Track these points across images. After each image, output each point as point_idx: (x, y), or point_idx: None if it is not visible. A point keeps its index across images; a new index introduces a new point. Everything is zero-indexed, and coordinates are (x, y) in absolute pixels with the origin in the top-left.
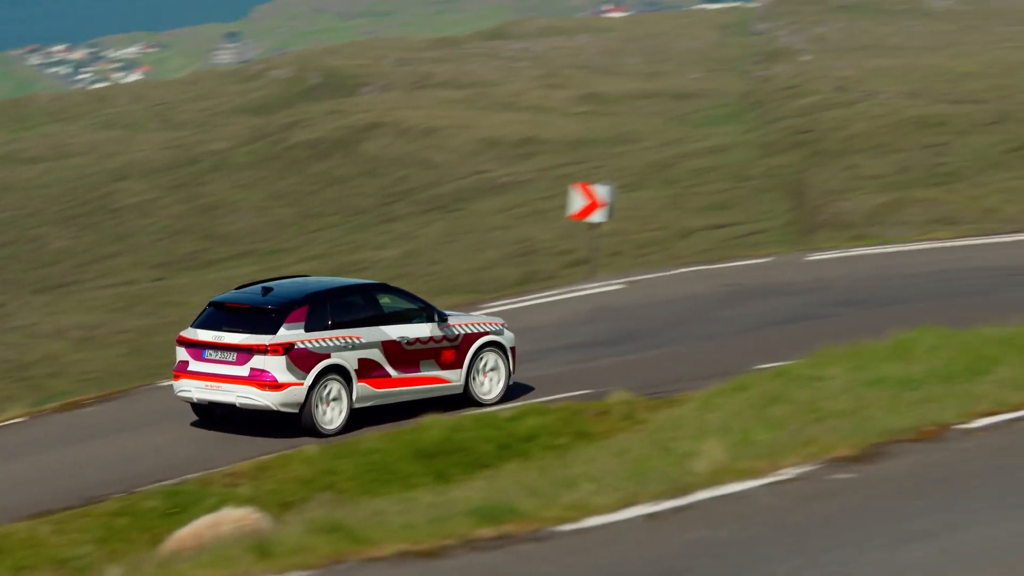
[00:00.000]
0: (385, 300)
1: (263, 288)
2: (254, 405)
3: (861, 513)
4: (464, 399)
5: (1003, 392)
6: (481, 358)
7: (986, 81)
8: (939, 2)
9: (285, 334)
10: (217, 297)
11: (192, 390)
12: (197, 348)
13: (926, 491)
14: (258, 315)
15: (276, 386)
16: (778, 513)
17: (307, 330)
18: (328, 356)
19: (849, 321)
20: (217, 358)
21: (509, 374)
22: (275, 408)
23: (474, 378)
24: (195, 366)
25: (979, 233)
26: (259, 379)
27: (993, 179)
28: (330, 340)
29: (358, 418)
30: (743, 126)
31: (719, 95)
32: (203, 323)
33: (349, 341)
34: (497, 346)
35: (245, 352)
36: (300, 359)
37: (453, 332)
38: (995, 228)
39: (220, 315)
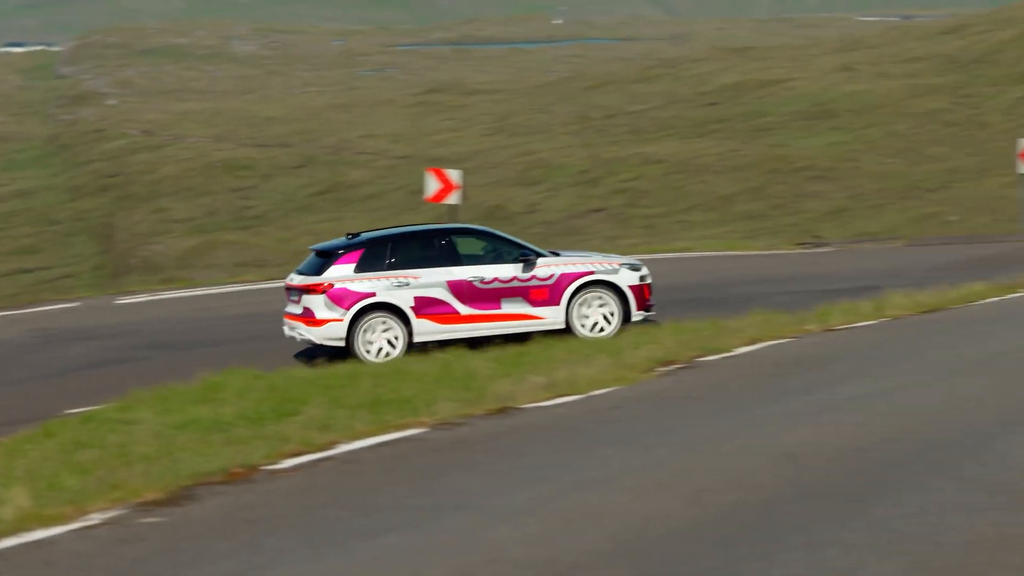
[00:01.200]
0: (468, 243)
1: (350, 235)
2: (308, 340)
3: (169, 555)
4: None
5: (309, 432)
6: (582, 296)
7: (291, 125)
8: (243, 47)
9: (329, 275)
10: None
11: (286, 329)
12: (287, 291)
13: (234, 532)
14: (319, 259)
15: (316, 322)
16: (84, 559)
17: (357, 271)
18: (373, 295)
19: (160, 364)
20: (292, 299)
21: (623, 311)
22: (319, 342)
23: (578, 315)
24: (287, 307)
25: (286, 276)
26: (306, 316)
27: (299, 221)
28: (379, 280)
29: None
30: (50, 170)
31: (24, 139)
32: (295, 269)
33: (403, 281)
34: (607, 285)
35: (301, 292)
36: (339, 298)
37: (546, 272)
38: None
39: (304, 261)
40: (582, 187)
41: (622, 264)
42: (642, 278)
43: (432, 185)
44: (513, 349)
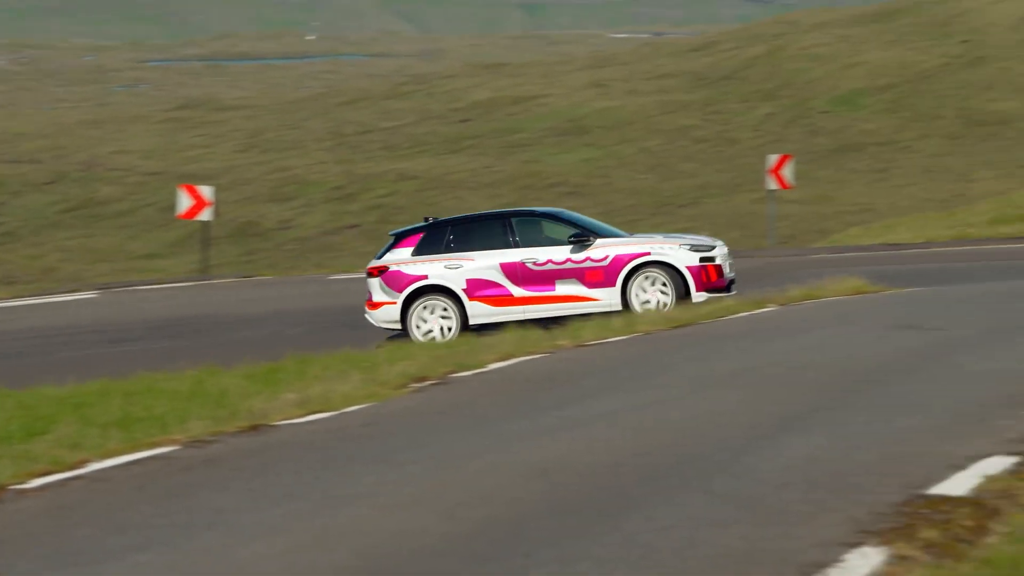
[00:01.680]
0: (531, 226)
1: (427, 219)
2: (370, 322)
3: None
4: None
5: (59, 451)
6: (638, 277)
7: (41, 142)
8: None
9: (387, 258)
10: None
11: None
12: None
13: None
14: (386, 243)
15: (374, 305)
16: None
17: (415, 254)
18: (425, 277)
19: None
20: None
21: (682, 291)
22: (376, 325)
23: (636, 296)
24: None
25: (36, 292)
26: (367, 300)
27: (50, 238)
28: (433, 263)
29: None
30: None
31: None
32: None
33: (456, 263)
34: (662, 265)
35: (368, 276)
36: (393, 280)
37: (600, 253)
38: (52, 287)
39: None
40: (336, 203)
41: (683, 244)
42: (704, 259)
43: (184, 201)
44: (267, 366)
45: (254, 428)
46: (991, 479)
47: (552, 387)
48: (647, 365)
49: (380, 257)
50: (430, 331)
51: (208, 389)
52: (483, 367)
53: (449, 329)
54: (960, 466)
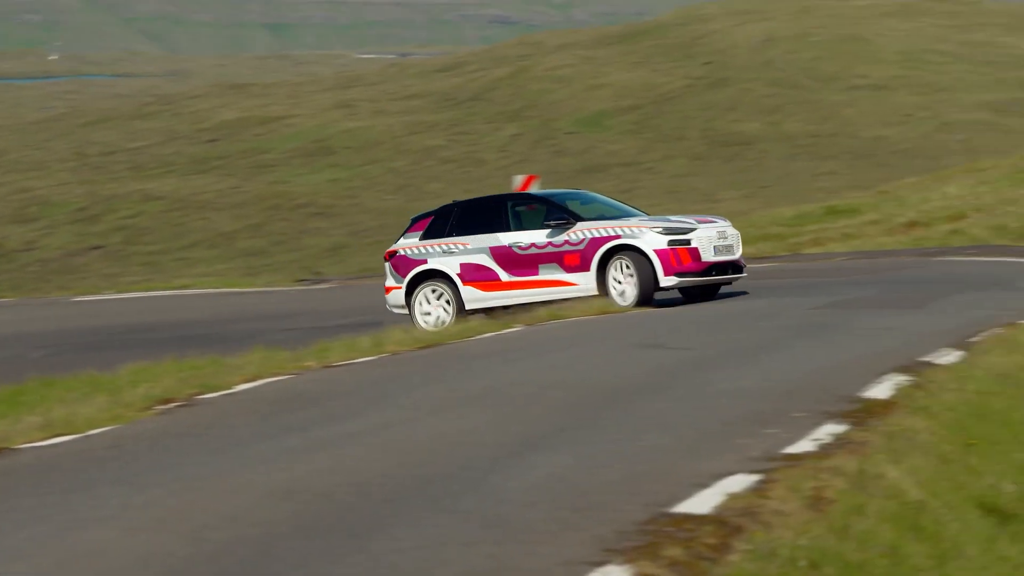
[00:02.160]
0: (528, 208)
1: (456, 200)
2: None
3: None
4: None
5: None
6: (613, 262)
7: None
8: None
9: (399, 243)
10: None
11: None
12: None
13: None
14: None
15: (387, 290)
16: None
17: (423, 239)
18: (424, 262)
19: None
20: None
21: (648, 277)
22: (388, 309)
23: (612, 281)
24: None
25: None
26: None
27: None
28: (433, 247)
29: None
30: None
31: None
32: None
33: (452, 247)
34: (632, 249)
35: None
36: (399, 265)
37: (578, 236)
38: None
39: None
40: (80, 224)
41: (655, 227)
42: (675, 242)
43: None
44: (9, 389)
45: None
46: (734, 497)
47: (298, 408)
48: (393, 386)
49: (396, 242)
50: (438, 317)
51: None
52: (229, 388)
53: (444, 315)
54: (704, 484)
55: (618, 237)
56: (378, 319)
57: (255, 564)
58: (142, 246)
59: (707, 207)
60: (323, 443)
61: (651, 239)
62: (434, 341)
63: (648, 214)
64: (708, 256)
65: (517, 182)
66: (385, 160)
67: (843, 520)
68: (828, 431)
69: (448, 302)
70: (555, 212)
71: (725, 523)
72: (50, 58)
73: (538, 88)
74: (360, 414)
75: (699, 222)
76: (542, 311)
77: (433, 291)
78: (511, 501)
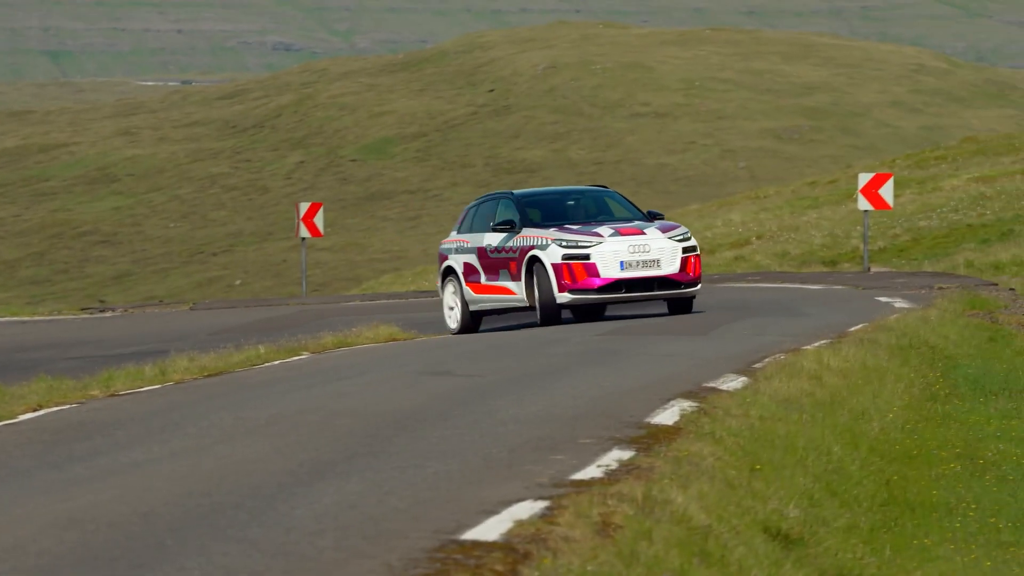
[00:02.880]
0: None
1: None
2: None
3: None
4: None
5: None
6: (533, 272)
7: None
8: None
9: (449, 236)
10: None
11: None
12: None
13: None
14: None
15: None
16: None
17: (457, 233)
18: (447, 258)
19: None
20: None
21: (545, 293)
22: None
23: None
24: None
25: None
26: None
27: None
28: (453, 243)
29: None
30: None
31: None
32: None
33: (460, 245)
34: (538, 262)
35: None
36: (439, 259)
37: (517, 243)
38: None
39: None
40: None
41: (560, 239)
42: (570, 256)
43: None
44: None
45: None
46: (521, 523)
47: (83, 437)
48: (179, 414)
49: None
50: (453, 317)
51: None
52: (12, 418)
53: (459, 315)
54: (491, 511)
55: (534, 248)
56: (164, 348)
57: None
58: None
59: None
60: (108, 472)
61: (552, 252)
62: (220, 369)
63: (663, 219)
64: (610, 272)
65: (302, 210)
66: (169, 188)
67: (631, 545)
68: (615, 457)
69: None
70: (506, 215)
71: (513, 550)
72: None
73: (322, 116)
74: (146, 443)
75: (624, 233)
76: (329, 338)
77: (453, 289)
78: (299, 529)
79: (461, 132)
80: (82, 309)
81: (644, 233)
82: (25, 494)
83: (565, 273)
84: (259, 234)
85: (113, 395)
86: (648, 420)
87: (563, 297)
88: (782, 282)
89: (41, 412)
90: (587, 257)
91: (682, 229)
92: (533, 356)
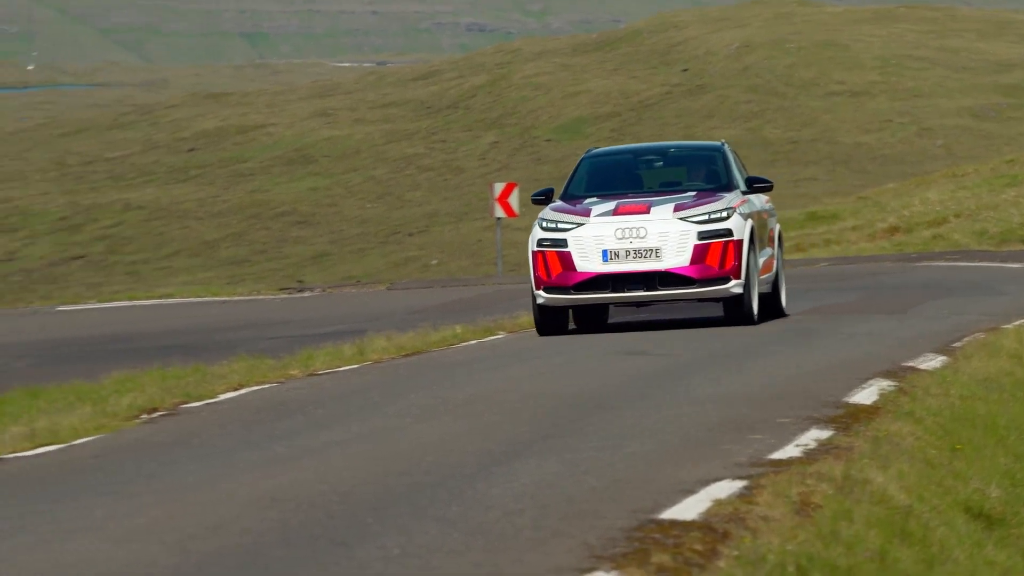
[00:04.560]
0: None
1: None
2: None
3: None
4: None
5: None
6: None
7: None
8: None
9: None
10: None
11: None
12: None
13: None
14: None
15: None
16: None
17: None
18: None
19: None
20: None
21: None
22: None
23: None
24: None
25: None
26: None
27: None
28: None
29: None
30: None
31: None
32: None
33: None
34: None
35: None
36: None
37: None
38: None
39: None
40: (61, 234)
41: (543, 221)
42: (546, 241)
43: None
44: None
45: None
46: (720, 503)
47: (283, 417)
48: (378, 394)
49: None
50: None
51: None
52: (214, 397)
53: None
54: (690, 490)
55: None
56: (361, 327)
57: (241, 573)
58: (124, 255)
59: None
60: (308, 451)
61: (534, 235)
62: (418, 349)
63: (740, 188)
64: (589, 264)
65: (497, 190)
66: (365, 168)
67: (830, 525)
68: (813, 436)
69: None
70: (569, 181)
71: (712, 529)
72: (27, 68)
73: (516, 96)
74: (345, 422)
75: (621, 212)
76: (525, 318)
77: None
78: (498, 508)
79: (655, 112)
80: (281, 289)
81: (646, 211)
82: (227, 473)
83: (540, 264)
84: (454, 214)
85: (312, 374)
86: (846, 399)
87: (540, 296)
88: (981, 261)
89: (242, 391)
90: (563, 244)
91: (718, 205)
92: (728, 336)
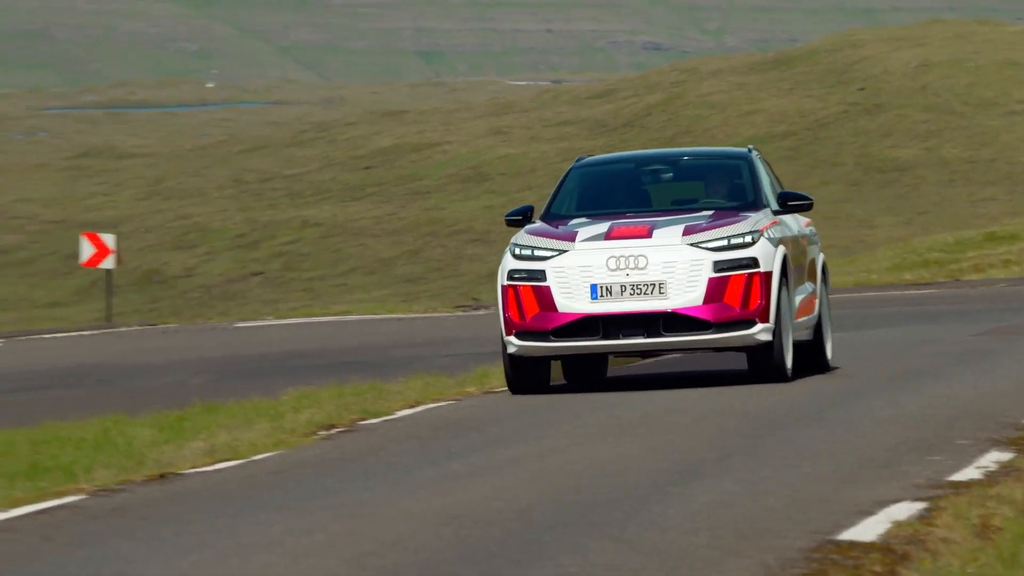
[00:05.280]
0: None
1: None
2: None
3: None
4: None
5: None
6: None
7: None
8: None
9: None
10: None
11: None
12: None
13: None
14: None
15: None
16: None
17: None
18: None
19: None
20: None
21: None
22: None
23: None
24: None
25: None
26: None
27: None
28: None
29: None
30: None
31: None
32: None
33: None
34: None
35: None
36: None
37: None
38: None
39: None
40: (240, 251)
41: (518, 247)
42: (518, 273)
43: (86, 249)
44: (173, 414)
45: (162, 477)
46: (899, 524)
47: (460, 433)
48: (553, 412)
49: None
50: None
51: (114, 438)
52: (391, 414)
53: None
54: (869, 511)
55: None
56: None
57: None
58: (301, 272)
59: (864, 233)
60: (484, 469)
61: (505, 264)
62: None
63: (771, 207)
64: (574, 302)
65: None
66: (540, 187)
67: (1011, 548)
68: (993, 458)
69: None
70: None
71: (892, 551)
72: (207, 86)
73: (692, 114)
74: (520, 440)
75: (615, 236)
76: None
77: None
78: (674, 528)
79: (831, 131)
80: (456, 307)
81: (648, 234)
82: (404, 490)
83: (512, 303)
84: None
85: (488, 392)
86: None
87: (511, 344)
88: None
89: (418, 408)
90: (541, 276)
91: (740, 228)
92: (905, 356)
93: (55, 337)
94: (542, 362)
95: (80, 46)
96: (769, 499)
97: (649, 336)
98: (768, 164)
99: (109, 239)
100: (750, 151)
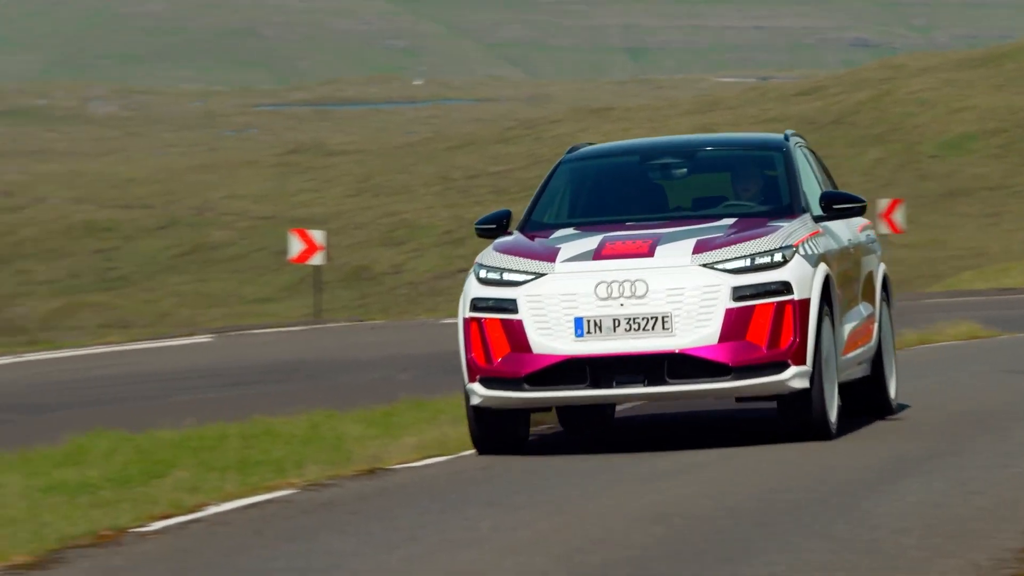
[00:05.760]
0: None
1: None
2: None
3: None
4: None
5: (178, 495)
6: None
7: (152, 187)
8: (101, 108)
9: None
10: None
11: None
12: None
13: None
14: None
15: None
16: None
17: None
18: None
19: (23, 427)
20: None
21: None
22: None
23: None
24: None
25: (151, 337)
26: None
27: (163, 283)
28: None
29: None
30: None
31: None
32: None
33: None
34: None
35: None
36: None
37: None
38: (167, 332)
39: None
40: (447, 247)
41: (485, 268)
42: (482, 303)
43: (296, 246)
44: (381, 410)
45: (371, 472)
46: None
47: (669, 430)
48: (765, 408)
49: None
50: None
51: (324, 433)
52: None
53: None
54: None
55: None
56: None
57: None
58: None
59: None
60: (692, 465)
61: (469, 289)
62: None
63: (811, 211)
64: (556, 342)
65: (881, 206)
66: None
67: None
68: None
69: None
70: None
71: None
72: (415, 83)
73: (900, 111)
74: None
75: (606, 254)
76: (911, 335)
77: None
78: (884, 527)
79: None
80: None
81: (648, 252)
82: (613, 487)
83: (476, 340)
84: None
85: None
86: None
87: (475, 394)
88: None
89: (627, 406)
90: (512, 307)
91: (767, 242)
92: None
93: (265, 333)
94: (514, 416)
95: (289, 44)
96: (978, 498)
97: (650, 384)
98: (814, 153)
99: (318, 235)
100: (787, 138)
